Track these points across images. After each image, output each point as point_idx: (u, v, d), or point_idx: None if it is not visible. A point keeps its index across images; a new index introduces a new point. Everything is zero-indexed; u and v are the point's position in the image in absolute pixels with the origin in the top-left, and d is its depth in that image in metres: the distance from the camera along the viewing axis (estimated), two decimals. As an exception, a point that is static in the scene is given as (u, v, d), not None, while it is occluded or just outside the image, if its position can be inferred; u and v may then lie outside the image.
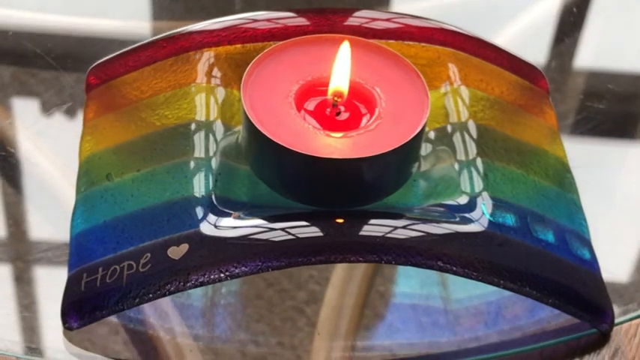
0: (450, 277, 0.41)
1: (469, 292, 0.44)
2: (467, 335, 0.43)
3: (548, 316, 0.41)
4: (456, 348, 0.42)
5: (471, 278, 0.37)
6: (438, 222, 0.38)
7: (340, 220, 0.38)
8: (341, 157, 0.38)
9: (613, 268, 0.43)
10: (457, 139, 0.42)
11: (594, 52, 0.58)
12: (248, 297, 0.45)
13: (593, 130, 0.52)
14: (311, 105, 0.40)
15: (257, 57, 0.41)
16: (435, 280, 0.45)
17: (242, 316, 0.44)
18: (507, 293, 0.39)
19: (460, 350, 0.42)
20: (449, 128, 0.42)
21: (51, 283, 0.44)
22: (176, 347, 0.42)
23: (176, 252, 0.37)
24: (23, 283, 0.44)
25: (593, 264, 0.40)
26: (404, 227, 0.38)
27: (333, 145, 0.38)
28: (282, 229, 0.37)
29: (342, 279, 0.47)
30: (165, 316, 0.42)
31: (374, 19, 0.45)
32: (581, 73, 0.57)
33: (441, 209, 0.39)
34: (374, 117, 0.40)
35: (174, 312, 0.42)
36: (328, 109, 0.40)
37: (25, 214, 0.47)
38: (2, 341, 0.40)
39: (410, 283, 0.47)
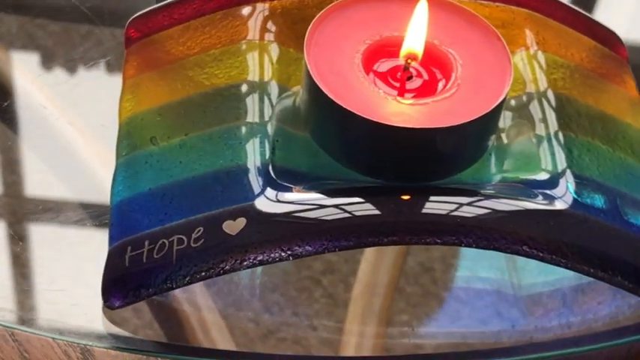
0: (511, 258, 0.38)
1: (535, 277, 0.40)
2: (532, 325, 0.39)
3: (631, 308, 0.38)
4: (515, 341, 0.39)
5: (558, 265, 0.34)
6: (521, 201, 0.35)
7: (414, 197, 0.34)
8: (415, 127, 0.34)
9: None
10: (535, 109, 0.38)
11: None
12: (263, 266, 0.41)
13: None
14: (381, 67, 0.36)
15: (321, 12, 0.37)
16: (493, 259, 0.41)
17: (256, 285, 0.40)
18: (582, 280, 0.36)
19: (523, 345, 0.38)
20: (526, 97, 0.39)
21: (81, 256, 0.40)
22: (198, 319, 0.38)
23: (232, 227, 0.34)
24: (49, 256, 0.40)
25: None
26: (484, 207, 0.34)
27: (407, 113, 0.35)
28: (351, 206, 0.34)
29: (376, 253, 0.43)
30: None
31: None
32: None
33: (521, 187, 0.36)
34: (450, 83, 0.36)
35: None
36: (399, 73, 0.36)
37: (47, 176, 0.44)
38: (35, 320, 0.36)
39: (465, 259, 0.44)
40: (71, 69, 0.46)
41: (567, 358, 0.36)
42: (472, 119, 0.34)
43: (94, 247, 0.38)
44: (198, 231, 0.34)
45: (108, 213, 0.37)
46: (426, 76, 0.36)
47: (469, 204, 0.34)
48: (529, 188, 0.36)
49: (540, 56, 0.40)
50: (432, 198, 0.34)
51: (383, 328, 0.41)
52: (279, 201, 0.34)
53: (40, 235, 0.40)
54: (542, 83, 0.39)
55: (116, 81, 0.41)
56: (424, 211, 0.34)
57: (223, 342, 0.39)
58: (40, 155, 0.43)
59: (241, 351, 0.37)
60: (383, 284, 0.43)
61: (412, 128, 0.34)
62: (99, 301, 0.35)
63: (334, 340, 0.40)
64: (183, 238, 0.34)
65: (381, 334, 0.42)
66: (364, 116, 0.34)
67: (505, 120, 0.38)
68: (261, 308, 0.39)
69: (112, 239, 0.35)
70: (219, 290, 0.39)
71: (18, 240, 0.40)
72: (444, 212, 0.34)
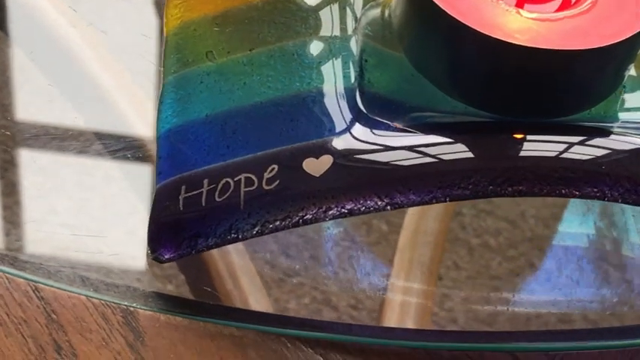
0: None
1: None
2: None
3: None
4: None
5: None
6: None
7: (542, 137, 0.28)
8: (546, 47, 0.27)
9: None
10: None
11: None
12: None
13: None
14: (499, -27, 0.29)
15: None
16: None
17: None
18: None
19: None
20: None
21: (118, 194, 0.33)
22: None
23: (315, 166, 0.27)
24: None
25: None
26: (630, 152, 0.27)
27: (534, 30, 0.28)
28: (464, 145, 0.27)
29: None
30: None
31: None
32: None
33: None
34: (586, -5, 0.29)
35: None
36: (520, -19, 0.29)
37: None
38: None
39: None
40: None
41: None
42: (616, 41, 0.27)
43: (135, 184, 0.32)
44: (272, 170, 0.27)
45: (153, 143, 0.30)
46: (557, -15, 0.29)
47: (611, 148, 0.27)
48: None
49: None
50: (564, 139, 0.28)
51: (433, 287, 0.35)
52: (373, 136, 0.28)
53: (69, 170, 0.33)
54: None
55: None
56: (557, 155, 0.27)
57: (254, 290, 0.33)
58: (66, 79, 0.36)
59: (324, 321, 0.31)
60: (433, 232, 0.36)
61: (542, 49, 0.27)
62: (144, 251, 0.28)
63: (355, 287, 0.34)
64: (253, 177, 0.27)
65: (431, 293, 0.35)
66: (480, 31, 0.27)
67: None
68: (277, 250, 0.33)
69: (160, 176, 0.29)
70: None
71: (41, 173, 0.33)
72: (584, 157, 0.27)
